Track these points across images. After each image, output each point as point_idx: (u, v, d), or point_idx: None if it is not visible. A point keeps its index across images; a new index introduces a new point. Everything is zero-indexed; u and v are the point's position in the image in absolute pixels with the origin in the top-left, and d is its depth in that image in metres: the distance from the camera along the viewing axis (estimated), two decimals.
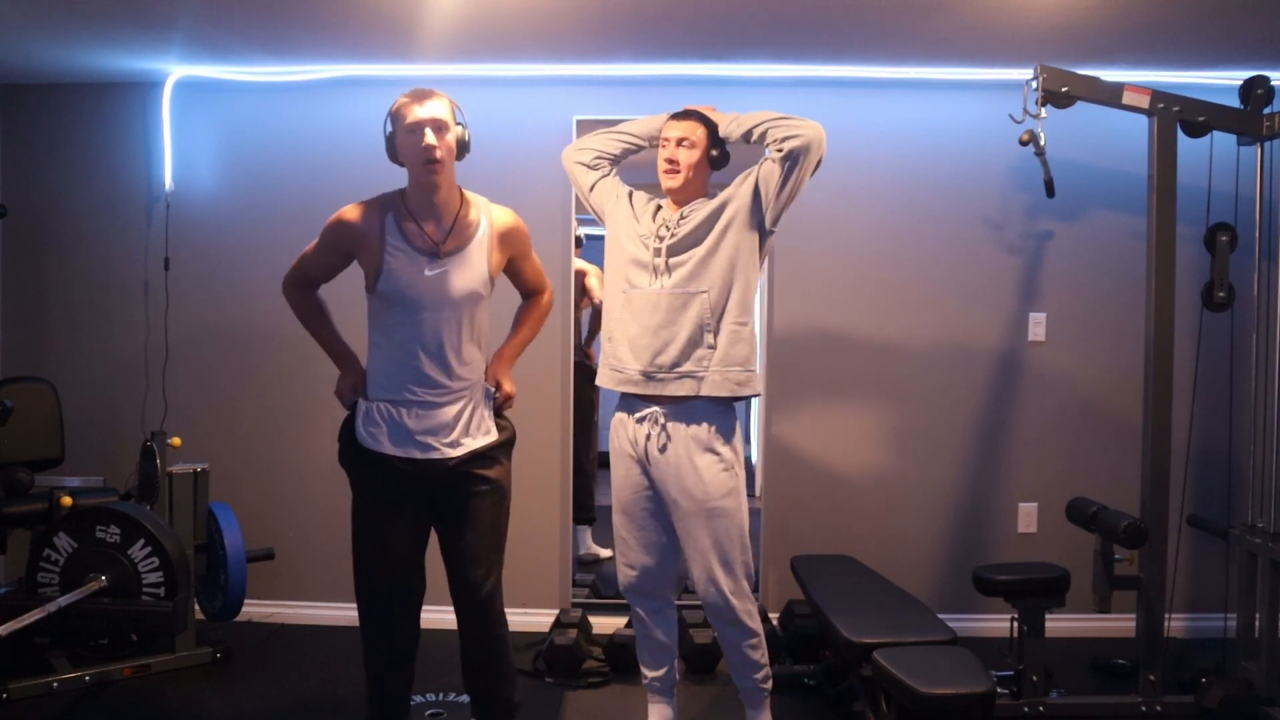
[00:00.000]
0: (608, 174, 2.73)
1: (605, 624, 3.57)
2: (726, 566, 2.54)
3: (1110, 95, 3.03)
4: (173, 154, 3.80)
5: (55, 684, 3.05)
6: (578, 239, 3.85)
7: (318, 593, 3.83)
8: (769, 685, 2.69)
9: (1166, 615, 3.02)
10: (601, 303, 3.80)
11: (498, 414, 2.47)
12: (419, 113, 2.25)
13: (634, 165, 2.82)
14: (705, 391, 2.51)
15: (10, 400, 3.18)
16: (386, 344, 2.35)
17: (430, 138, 2.24)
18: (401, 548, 2.38)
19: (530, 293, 2.62)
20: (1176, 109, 3.02)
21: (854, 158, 3.73)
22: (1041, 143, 3.10)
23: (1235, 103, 3.13)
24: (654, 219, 2.61)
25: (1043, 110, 3.01)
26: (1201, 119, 3.05)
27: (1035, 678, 2.92)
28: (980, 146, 3.69)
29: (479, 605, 2.43)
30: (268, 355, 3.82)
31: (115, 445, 3.82)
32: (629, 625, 3.45)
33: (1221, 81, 3.44)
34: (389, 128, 2.31)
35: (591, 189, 2.72)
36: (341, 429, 2.41)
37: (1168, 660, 3.05)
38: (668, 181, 2.61)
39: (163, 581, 3.14)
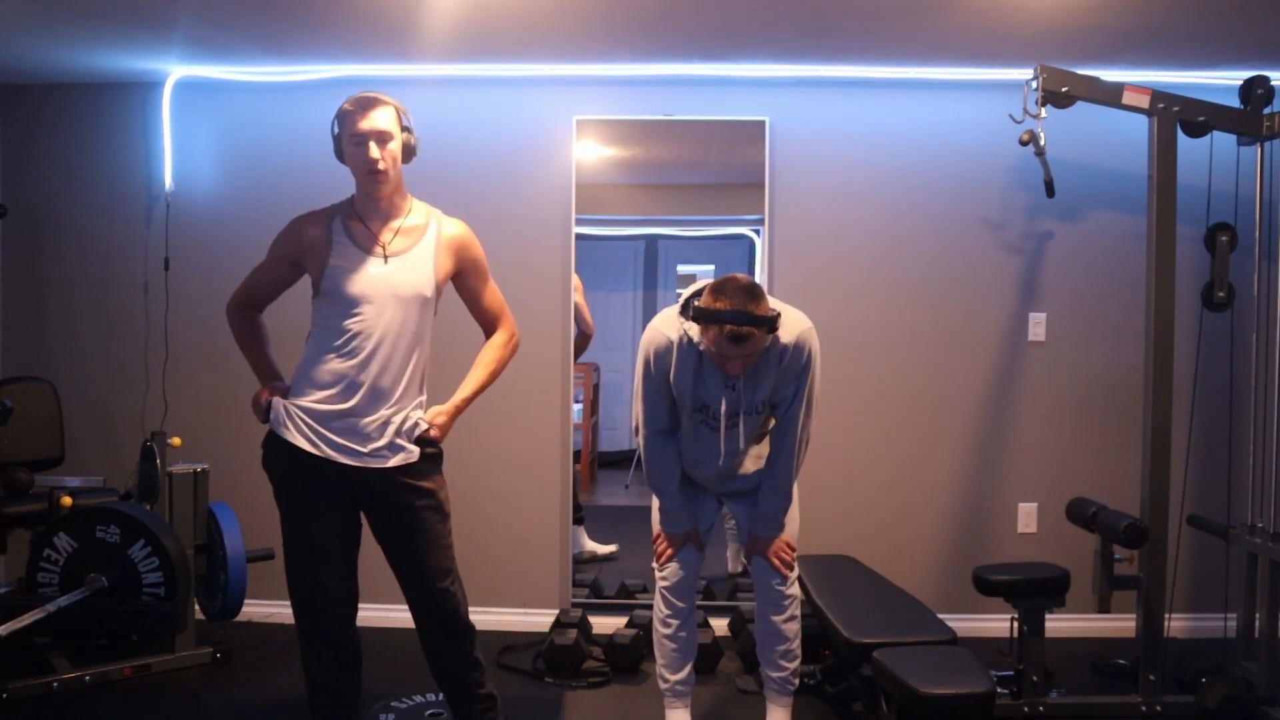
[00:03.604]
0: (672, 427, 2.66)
1: (605, 624, 3.57)
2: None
3: (1110, 95, 3.03)
4: (173, 154, 3.80)
5: (55, 684, 3.05)
6: None
7: None
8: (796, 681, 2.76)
9: (1166, 615, 3.02)
10: (587, 324, 3.83)
11: (420, 442, 2.35)
12: (362, 125, 2.26)
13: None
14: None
15: (10, 400, 3.18)
16: (325, 343, 2.30)
17: (374, 151, 2.26)
18: (335, 552, 2.33)
19: (490, 324, 2.52)
20: (1176, 109, 3.02)
21: (854, 158, 3.74)
22: (1041, 143, 3.11)
23: (1235, 103, 3.13)
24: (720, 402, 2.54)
25: (1043, 110, 3.01)
26: (1201, 119, 3.05)
27: (1035, 678, 2.92)
28: (980, 146, 3.69)
29: (444, 616, 2.40)
30: None
31: (115, 445, 3.82)
32: (629, 625, 3.45)
33: (1221, 81, 3.44)
34: (335, 129, 2.33)
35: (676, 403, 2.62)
36: (266, 436, 2.36)
37: (1168, 660, 3.05)
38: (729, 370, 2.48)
39: (163, 581, 3.14)
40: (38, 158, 3.86)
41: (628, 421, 4.19)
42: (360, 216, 2.34)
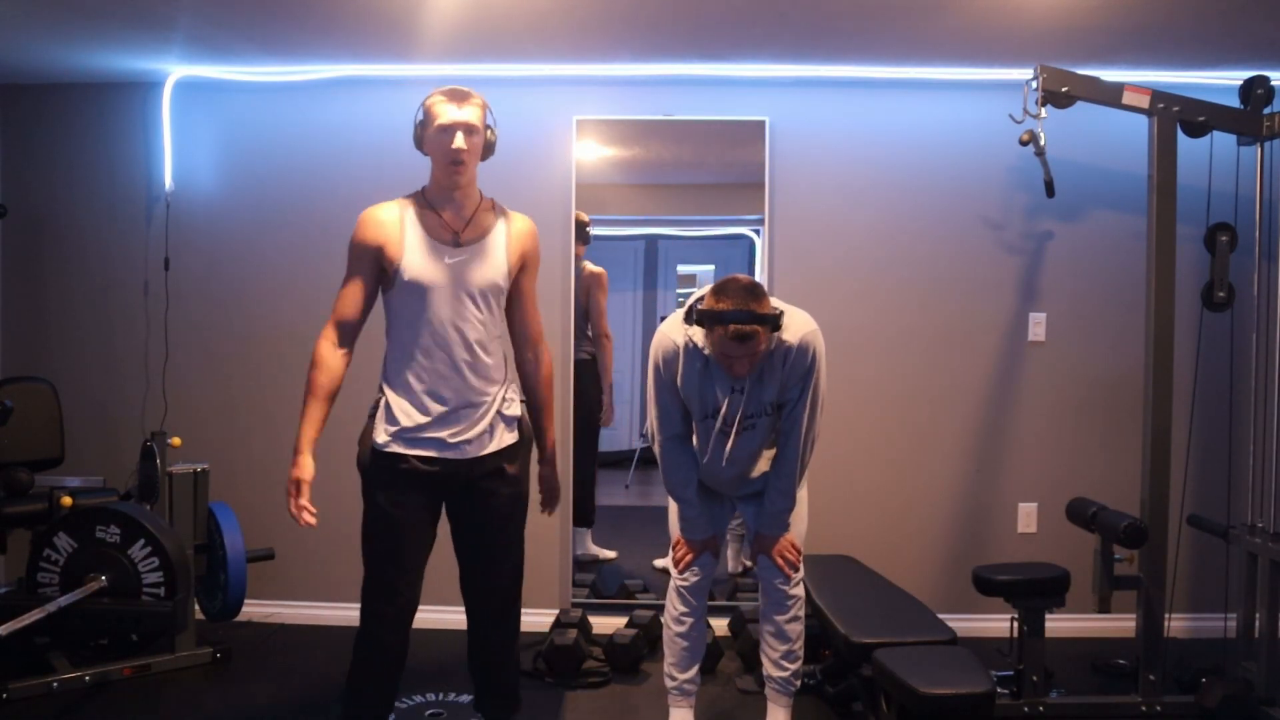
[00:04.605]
0: (688, 432, 2.66)
1: (605, 624, 3.57)
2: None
3: (1110, 95, 3.03)
4: (173, 154, 3.80)
5: (55, 684, 3.05)
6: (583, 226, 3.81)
7: (318, 593, 3.82)
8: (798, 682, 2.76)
9: (1166, 615, 3.02)
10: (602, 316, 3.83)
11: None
12: (454, 114, 2.28)
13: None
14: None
15: (10, 400, 3.18)
16: (411, 339, 2.32)
17: (460, 141, 2.27)
18: (414, 553, 2.36)
19: (527, 334, 2.52)
20: (1176, 109, 3.02)
21: (854, 158, 3.74)
22: (1041, 143, 3.11)
23: (1235, 103, 3.13)
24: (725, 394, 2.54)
25: (1043, 110, 3.01)
26: (1201, 119, 3.05)
27: (1035, 678, 2.92)
28: (980, 146, 3.69)
29: (503, 608, 2.46)
30: (268, 355, 3.82)
31: (115, 445, 3.81)
32: (629, 625, 3.45)
33: (1221, 81, 3.44)
34: (420, 117, 2.34)
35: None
36: (363, 433, 2.38)
37: (1168, 660, 3.05)
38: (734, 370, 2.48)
39: (163, 581, 3.14)
40: (38, 158, 3.86)
41: (629, 422, 4.19)
42: (433, 207, 2.35)
